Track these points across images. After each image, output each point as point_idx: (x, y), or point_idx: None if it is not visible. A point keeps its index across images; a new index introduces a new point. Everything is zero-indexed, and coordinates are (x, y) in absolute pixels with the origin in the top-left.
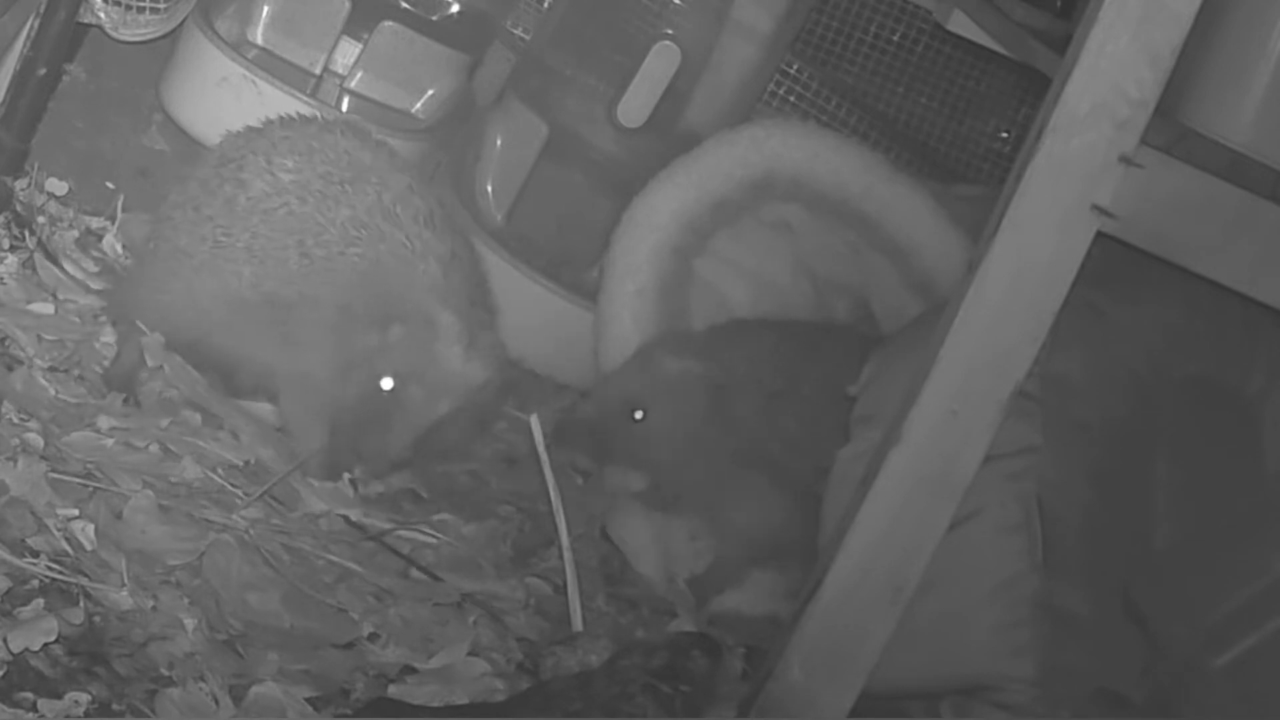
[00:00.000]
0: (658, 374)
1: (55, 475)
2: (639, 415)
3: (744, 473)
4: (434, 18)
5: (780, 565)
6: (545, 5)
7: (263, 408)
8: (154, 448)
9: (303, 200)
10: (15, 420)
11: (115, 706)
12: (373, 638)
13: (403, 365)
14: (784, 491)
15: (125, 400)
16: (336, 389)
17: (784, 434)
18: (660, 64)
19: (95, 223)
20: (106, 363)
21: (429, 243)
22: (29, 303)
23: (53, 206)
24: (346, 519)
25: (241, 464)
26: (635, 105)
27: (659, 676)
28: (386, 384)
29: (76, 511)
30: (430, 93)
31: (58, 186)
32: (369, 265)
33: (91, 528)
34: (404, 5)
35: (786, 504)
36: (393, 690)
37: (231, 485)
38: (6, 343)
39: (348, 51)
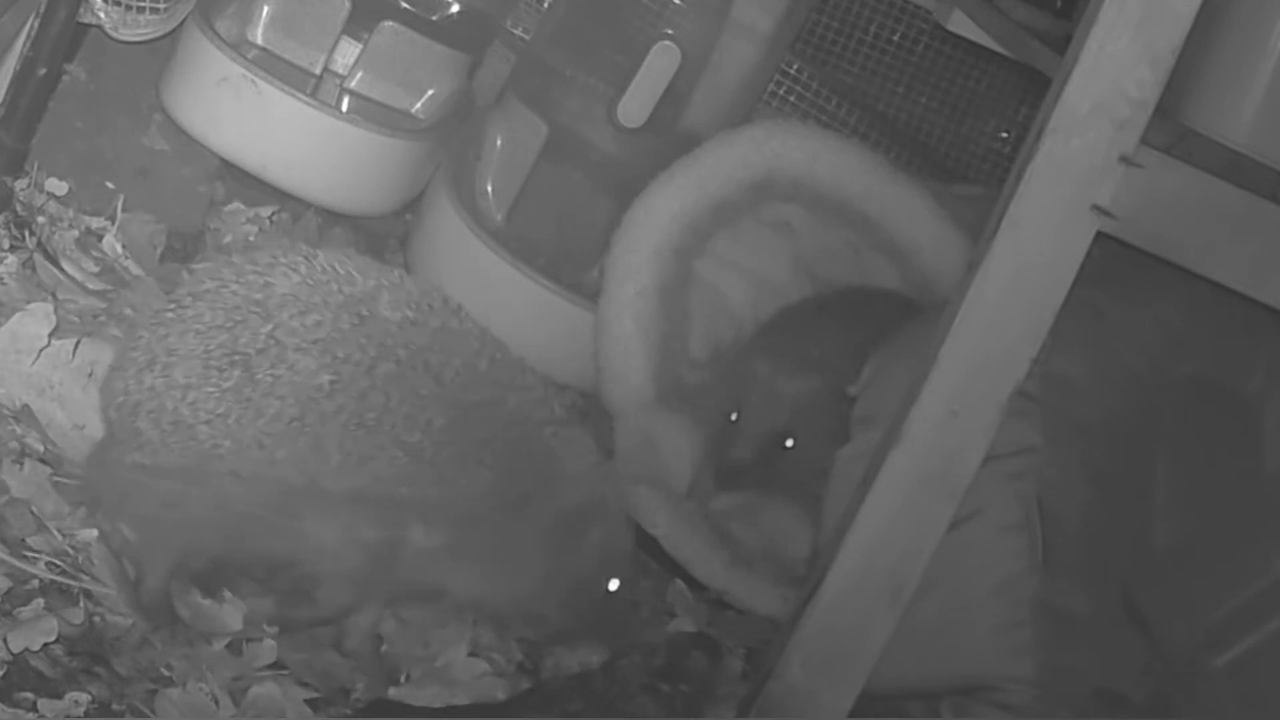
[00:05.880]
0: (788, 399)
1: (57, 479)
2: (790, 444)
3: None
4: (434, 18)
5: None
6: (545, 5)
7: None
8: None
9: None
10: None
11: (115, 706)
12: None
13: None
14: None
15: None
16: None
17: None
18: (660, 64)
19: (95, 223)
20: None
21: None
22: (29, 303)
23: (53, 206)
24: None
25: None
26: (635, 105)
27: (658, 676)
28: (614, 585)
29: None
30: (430, 93)
31: (58, 186)
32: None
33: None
34: (404, 5)
35: None
36: (393, 691)
37: None
38: None
39: (348, 51)
